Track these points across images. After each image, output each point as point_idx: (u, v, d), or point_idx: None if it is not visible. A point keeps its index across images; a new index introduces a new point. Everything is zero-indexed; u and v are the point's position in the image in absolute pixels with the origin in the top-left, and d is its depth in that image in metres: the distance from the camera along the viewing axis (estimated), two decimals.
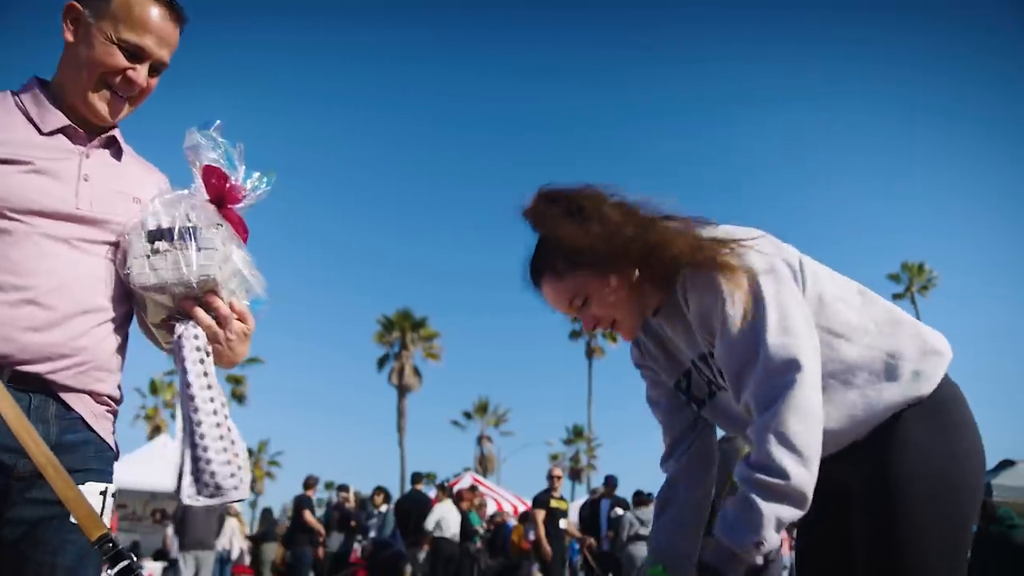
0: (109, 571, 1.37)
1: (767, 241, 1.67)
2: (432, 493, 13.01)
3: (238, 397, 42.37)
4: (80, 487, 1.52)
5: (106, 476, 1.64)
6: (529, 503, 15.79)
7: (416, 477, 12.46)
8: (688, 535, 1.82)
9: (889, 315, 1.69)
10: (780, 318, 1.54)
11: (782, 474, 1.47)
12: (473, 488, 14.23)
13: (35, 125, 1.61)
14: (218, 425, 1.59)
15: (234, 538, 13.56)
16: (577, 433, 49.71)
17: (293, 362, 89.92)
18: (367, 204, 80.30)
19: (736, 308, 1.57)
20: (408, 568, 12.30)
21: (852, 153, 73.54)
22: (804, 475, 1.48)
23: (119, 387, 1.72)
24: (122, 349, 1.72)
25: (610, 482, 11.18)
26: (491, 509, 18.32)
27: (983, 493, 1.65)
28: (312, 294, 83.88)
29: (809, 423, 1.49)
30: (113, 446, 1.70)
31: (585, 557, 11.28)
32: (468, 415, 51.24)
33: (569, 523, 11.27)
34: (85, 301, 1.60)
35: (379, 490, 13.43)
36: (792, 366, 1.50)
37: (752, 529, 1.49)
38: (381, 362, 44.05)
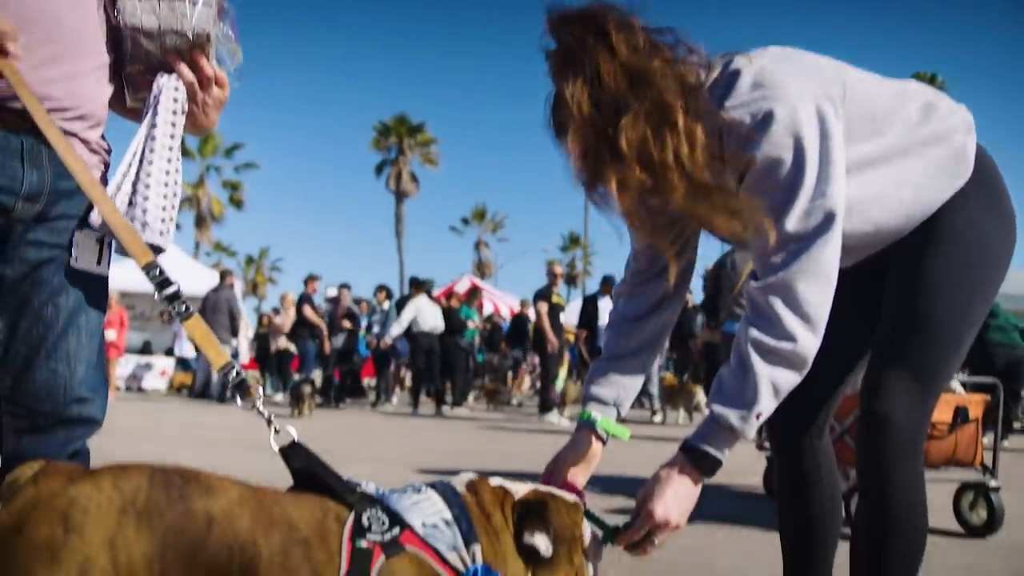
0: (157, 295, 1.39)
1: (811, 80, 1.46)
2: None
3: (236, 203, 42.35)
4: (78, 233, 1.56)
5: (102, 225, 1.60)
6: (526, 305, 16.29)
7: (414, 281, 12.77)
8: (632, 383, 1.74)
9: (923, 98, 1.62)
10: (818, 175, 1.41)
11: (789, 337, 1.41)
12: (473, 290, 14.61)
13: None
14: (167, 173, 1.60)
15: (241, 337, 14.10)
16: (573, 240, 50.49)
17: (290, 168, 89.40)
18: (363, 4, 76.21)
19: (774, 164, 1.42)
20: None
21: None
22: (811, 341, 1.43)
23: (104, 138, 1.68)
24: (108, 105, 1.66)
25: (608, 282, 11.46)
26: (488, 310, 18.94)
27: (1011, 249, 1.65)
28: (308, 99, 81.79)
29: (822, 288, 1.43)
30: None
31: (580, 351, 11.76)
32: (466, 221, 51.71)
33: (566, 321, 11.67)
34: (77, 42, 1.53)
35: (381, 288, 13.79)
36: (820, 227, 1.42)
37: (750, 394, 1.41)
38: (379, 168, 43.84)
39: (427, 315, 12.20)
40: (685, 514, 1.44)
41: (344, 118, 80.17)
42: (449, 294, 13.83)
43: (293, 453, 1.21)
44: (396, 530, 1.12)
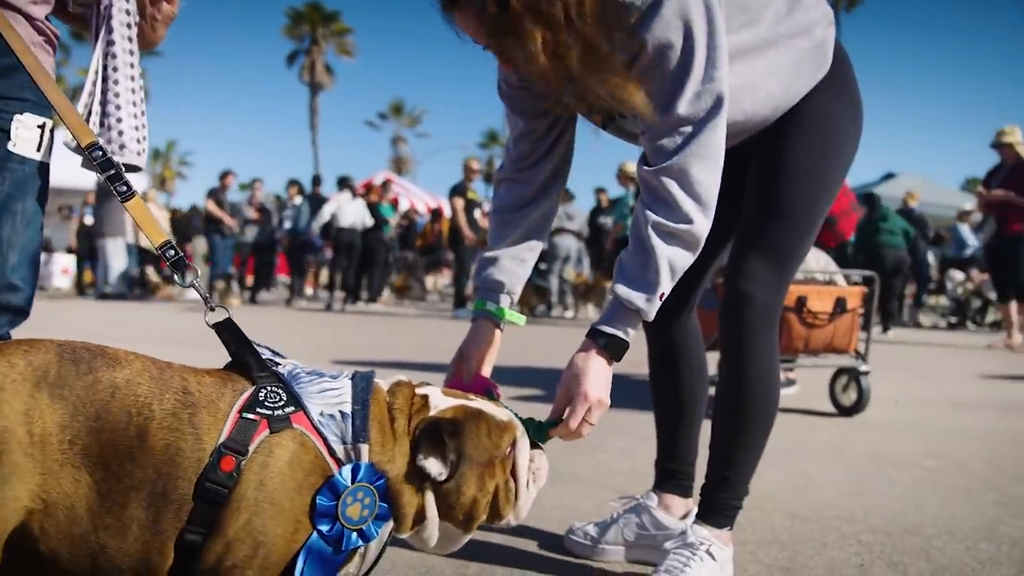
0: (101, 177, 1.36)
1: None
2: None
3: None
4: (18, 116, 1.48)
5: (44, 110, 1.54)
6: (443, 203, 16.22)
7: (342, 181, 12.56)
8: (523, 270, 1.77)
9: None
10: (706, 60, 1.43)
11: (686, 219, 1.45)
12: (384, 184, 14.42)
13: None
14: (133, 91, 1.57)
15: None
16: (491, 137, 49.96)
17: (196, 56, 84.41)
18: None
19: (664, 47, 1.43)
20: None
21: None
22: (705, 223, 1.47)
23: (50, 19, 1.59)
24: None
25: None
26: (404, 206, 18.77)
27: (858, 138, 1.78)
28: None
29: (712, 170, 1.46)
30: (53, 79, 1.59)
31: None
32: (383, 116, 50.44)
33: (484, 216, 11.72)
34: None
35: (293, 183, 13.48)
36: (710, 111, 1.45)
37: (652, 275, 1.45)
38: (291, 58, 42.05)
39: (348, 211, 12.09)
40: (608, 393, 1.49)
41: (254, 2, 75.67)
42: (368, 188, 13.61)
43: (225, 330, 1.23)
44: (290, 408, 1.14)
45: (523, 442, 1.32)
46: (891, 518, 2.35)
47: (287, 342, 7.13)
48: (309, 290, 14.02)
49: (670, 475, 1.99)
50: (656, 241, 1.46)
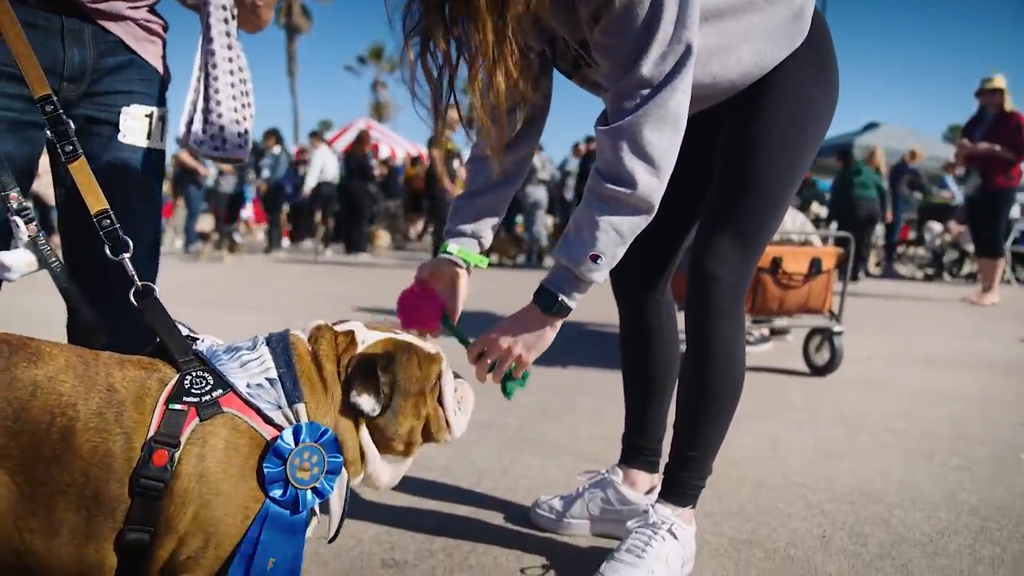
0: (48, 132, 1.32)
1: None
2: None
3: None
4: (126, 109, 1.57)
5: (150, 99, 1.62)
6: (424, 150, 16.02)
7: (314, 134, 12.49)
8: (493, 216, 1.79)
9: None
10: (676, 19, 1.37)
11: (629, 182, 1.41)
12: (363, 131, 14.22)
13: None
14: (232, 85, 1.67)
15: None
16: None
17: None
18: None
19: (632, 4, 1.37)
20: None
21: None
22: (654, 184, 1.43)
23: (156, 12, 1.64)
24: None
25: None
26: (384, 153, 18.54)
27: (831, 117, 1.73)
28: None
29: (668, 133, 1.42)
30: (161, 70, 1.65)
31: None
32: (362, 60, 49.43)
33: (461, 166, 11.58)
34: None
35: (270, 133, 13.23)
36: (672, 72, 1.39)
37: (587, 235, 1.44)
38: None
39: (329, 165, 12.24)
40: (530, 347, 1.51)
41: None
42: (359, 140, 13.39)
43: (149, 307, 1.21)
44: (217, 392, 1.12)
45: (448, 374, 1.36)
46: (855, 485, 2.38)
47: (263, 295, 7.08)
48: (286, 240, 13.87)
49: (637, 450, 1.99)
50: (596, 202, 1.45)
